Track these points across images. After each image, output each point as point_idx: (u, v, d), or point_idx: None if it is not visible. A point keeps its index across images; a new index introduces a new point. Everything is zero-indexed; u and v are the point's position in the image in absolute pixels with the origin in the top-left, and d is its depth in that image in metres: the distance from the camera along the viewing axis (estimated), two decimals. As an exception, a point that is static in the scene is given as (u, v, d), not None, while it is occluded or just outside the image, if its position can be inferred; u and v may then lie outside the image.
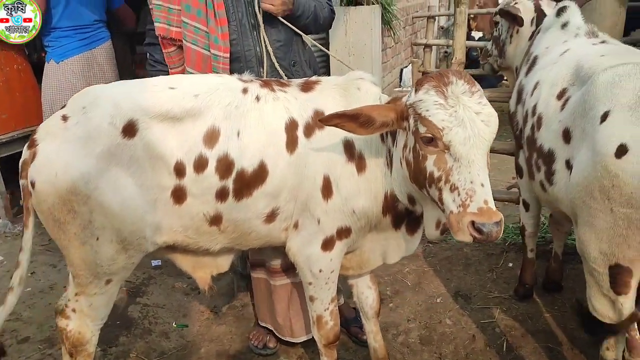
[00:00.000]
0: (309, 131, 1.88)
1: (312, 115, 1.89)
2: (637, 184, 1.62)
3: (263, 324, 2.68)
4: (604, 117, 1.73)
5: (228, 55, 2.25)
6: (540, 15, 2.91)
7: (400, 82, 5.85)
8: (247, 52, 2.29)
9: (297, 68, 2.39)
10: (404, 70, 5.82)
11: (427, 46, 6.86)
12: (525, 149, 2.33)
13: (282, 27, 2.30)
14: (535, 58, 2.50)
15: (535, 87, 2.28)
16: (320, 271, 2.02)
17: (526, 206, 2.73)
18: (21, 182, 1.83)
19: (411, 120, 1.64)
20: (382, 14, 4.80)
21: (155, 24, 2.27)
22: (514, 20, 2.96)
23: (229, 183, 1.84)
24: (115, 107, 1.79)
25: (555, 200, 2.08)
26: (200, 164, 1.81)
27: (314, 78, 2.04)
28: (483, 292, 3.07)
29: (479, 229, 1.52)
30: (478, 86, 1.63)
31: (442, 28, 7.88)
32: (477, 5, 9.10)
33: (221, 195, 1.86)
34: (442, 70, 1.68)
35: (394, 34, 5.21)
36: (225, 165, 1.82)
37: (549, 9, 2.88)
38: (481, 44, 7.06)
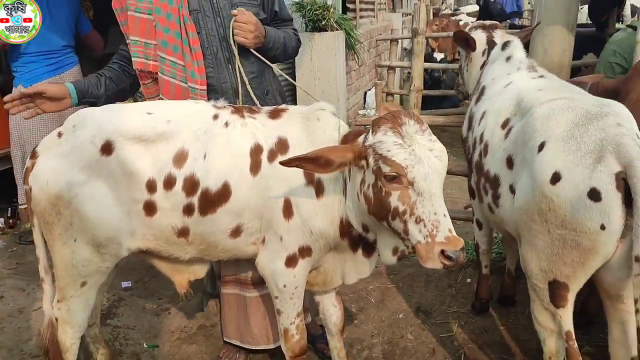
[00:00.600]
0: (272, 156, 2.01)
1: (276, 141, 2.03)
2: (569, 208, 1.80)
3: (228, 340, 2.76)
4: (541, 147, 1.92)
5: (205, 87, 2.37)
6: (491, 46, 3.05)
7: (364, 103, 6.05)
8: (223, 84, 2.42)
9: (270, 97, 2.53)
10: (368, 93, 6.02)
11: (391, 68, 7.10)
12: (474, 173, 2.51)
13: (255, 59, 2.42)
14: (484, 88, 2.70)
15: (482, 116, 2.47)
16: (284, 286, 2.14)
17: (479, 225, 2.91)
18: (24, 187, 2.14)
19: (370, 160, 1.77)
20: (345, 39, 4.99)
21: (133, 59, 2.38)
22: (467, 44, 3.13)
23: (195, 200, 2.01)
24: (97, 128, 2.02)
25: (502, 221, 2.26)
26: (169, 182, 1.99)
27: (282, 106, 2.19)
28: (442, 307, 3.23)
29: (448, 257, 1.67)
30: (426, 124, 1.79)
31: (405, 50, 8.15)
32: (436, 25, 9.45)
33: (188, 210, 2.03)
34: (394, 112, 1.83)
35: (358, 58, 5.41)
36: (191, 184, 1.99)
37: (506, 38, 2.99)
38: (442, 65, 7.36)
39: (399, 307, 3.25)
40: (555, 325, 1.99)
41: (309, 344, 2.80)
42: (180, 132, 2.01)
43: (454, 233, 1.71)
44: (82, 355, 2.54)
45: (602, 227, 1.75)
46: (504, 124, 2.25)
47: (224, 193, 2.00)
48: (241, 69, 2.37)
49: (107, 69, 2.47)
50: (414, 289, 3.44)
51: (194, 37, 2.34)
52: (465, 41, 3.01)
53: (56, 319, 2.21)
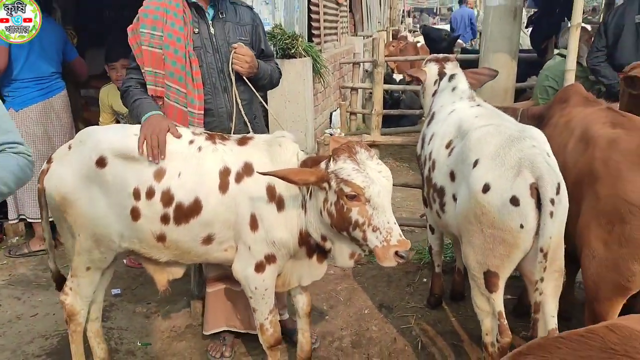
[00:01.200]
0: (239, 178, 2.37)
1: (242, 165, 2.39)
2: (497, 212, 2.27)
3: (211, 332, 3.12)
4: (475, 163, 2.38)
5: (202, 112, 2.74)
6: (442, 77, 3.32)
7: (330, 123, 6.51)
8: (219, 109, 2.78)
9: (257, 121, 2.90)
10: (333, 113, 6.48)
11: (354, 89, 7.61)
12: (425, 185, 2.98)
13: (245, 88, 2.80)
14: (434, 113, 3.16)
15: (431, 138, 2.94)
16: (255, 288, 2.49)
17: (432, 230, 3.37)
18: (38, 186, 2.56)
19: (333, 183, 2.14)
20: (312, 64, 5.44)
21: (148, 86, 2.71)
22: (417, 79, 3.48)
23: (170, 211, 2.39)
24: (95, 145, 2.45)
25: (447, 225, 2.73)
26: (150, 193, 2.39)
27: (249, 135, 2.56)
28: (402, 303, 3.65)
29: (401, 256, 2.08)
30: (373, 151, 2.21)
31: (367, 71, 8.67)
32: (393, 46, 10.00)
33: (164, 219, 2.41)
34: (349, 143, 2.23)
35: (324, 81, 5.86)
36: (167, 197, 2.38)
37: (454, 70, 3.33)
38: (401, 86, 7.91)
39: (364, 304, 3.66)
40: (490, 307, 2.46)
41: (287, 336, 3.23)
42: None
43: (403, 237, 2.12)
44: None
45: (521, 227, 2.23)
46: (448, 145, 2.73)
47: (195, 207, 2.37)
48: (236, 94, 2.74)
49: (142, 91, 2.74)
50: (378, 288, 3.87)
51: (197, 69, 2.70)
52: (416, 79, 3.42)
53: (70, 288, 2.69)
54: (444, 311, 3.55)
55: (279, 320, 3.15)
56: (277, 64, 3.02)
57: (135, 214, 2.42)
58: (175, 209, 2.38)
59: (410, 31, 14.78)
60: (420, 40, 11.64)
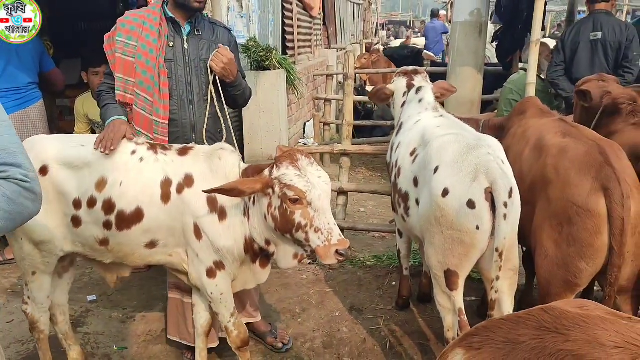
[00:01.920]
0: (180, 188, 2.46)
1: (183, 176, 2.47)
2: (455, 214, 2.44)
3: (170, 337, 3.20)
4: (436, 170, 2.55)
5: (166, 122, 2.83)
6: (410, 89, 3.44)
7: (304, 133, 6.66)
8: (183, 120, 2.88)
9: (221, 134, 2.95)
10: (307, 124, 6.64)
11: (327, 100, 7.79)
12: (393, 191, 3.14)
13: (212, 103, 2.89)
14: (402, 123, 3.32)
15: (398, 146, 3.11)
16: (211, 293, 2.58)
17: (400, 234, 3.53)
18: None
19: (277, 188, 2.26)
20: (286, 76, 5.60)
21: (116, 91, 2.83)
22: (385, 93, 3.66)
23: (112, 218, 2.49)
24: (38, 153, 2.51)
25: (412, 228, 2.88)
26: (92, 202, 2.49)
27: (190, 145, 2.62)
28: (372, 306, 3.79)
29: (341, 254, 2.23)
30: (313, 158, 2.35)
31: (340, 83, 8.85)
32: (365, 59, 10.21)
33: (106, 225, 2.51)
34: (290, 150, 2.37)
35: (297, 92, 6.02)
36: (108, 206, 2.48)
37: (421, 82, 3.47)
38: (373, 98, 8.10)
39: (335, 307, 3.79)
40: (451, 304, 2.61)
41: (260, 338, 3.34)
42: (103, 163, 2.51)
43: (343, 236, 2.27)
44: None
45: (477, 228, 2.40)
46: (412, 152, 2.90)
47: (137, 215, 2.47)
48: (212, 92, 2.83)
49: (112, 97, 2.86)
50: (348, 291, 4.01)
51: (165, 80, 2.80)
52: (382, 92, 3.58)
53: (28, 297, 2.77)
54: (411, 312, 3.71)
55: (251, 323, 3.29)
56: (247, 84, 3.11)
57: (76, 222, 2.54)
58: (117, 216, 2.48)
59: (383, 44, 15.06)
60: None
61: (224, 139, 2.90)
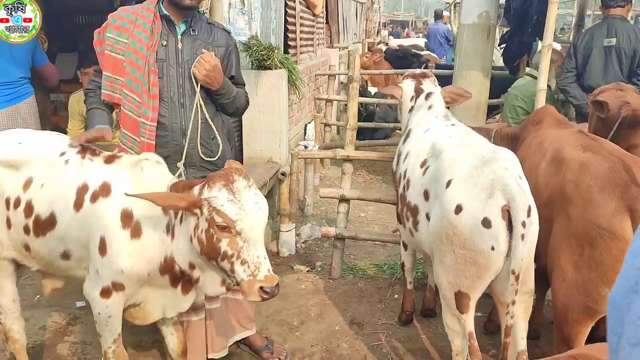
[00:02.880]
0: (94, 197, 2.28)
1: (100, 184, 2.29)
2: (468, 233, 2.28)
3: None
4: (448, 184, 2.39)
5: (154, 124, 2.63)
6: (418, 94, 3.30)
7: (304, 134, 6.50)
8: (173, 124, 2.67)
9: (215, 142, 2.74)
10: (308, 125, 6.48)
11: (329, 101, 7.63)
12: (399, 203, 2.98)
13: (207, 108, 2.69)
14: (410, 131, 3.17)
15: (407, 156, 2.95)
16: (99, 313, 2.37)
17: (405, 246, 3.37)
18: None
19: (205, 210, 2.04)
20: (288, 75, 5.43)
21: (102, 90, 2.66)
22: (394, 95, 3.58)
23: (30, 222, 2.38)
24: None
25: (420, 243, 2.73)
26: (17, 203, 2.40)
27: (120, 154, 2.47)
28: (373, 320, 3.64)
29: (266, 291, 2.01)
30: (252, 180, 2.12)
31: (342, 83, 8.70)
32: (366, 57, 10.06)
33: (26, 230, 2.41)
34: (227, 170, 2.13)
35: (299, 93, 5.85)
36: (29, 208, 2.38)
37: (431, 88, 3.30)
38: (375, 100, 7.96)
39: (335, 320, 3.63)
40: (461, 327, 2.46)
41: (256, 353, 3.18)
42: (34, 163, 2.40)
43: (272, 272, 2.06)
44: None
45: (493, 248, 2.25)
46: (422, 164, 2.74)
47: (51, 221, 2.34)
48: (202, 105, 2.64)
49: (99, 101, 2.71)
50: (349, 304, 3.85)
51: (155, 80, 2.62)
52: (390, 95, 3.41)
53: None
54: (414, 328, 3.55)
55: (246, 337, 3.13)
56: (245, 92, 2.91)
57: (8, 223, 2.45)
58: (34, 220, 2.36)
59: (385, 44, 14.90)
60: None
61: (220, 148, 2.73)
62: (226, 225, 2.01)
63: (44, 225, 2.34)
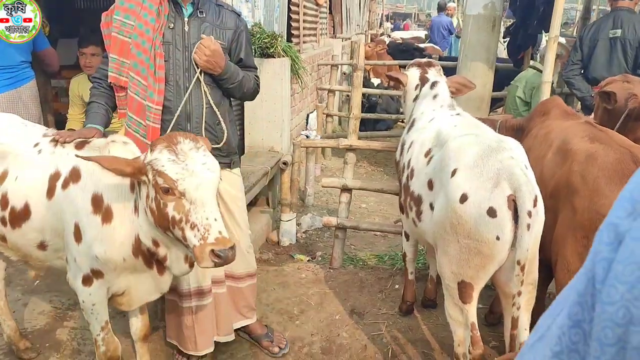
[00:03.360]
0: (65, 183, 2.26)
1: (70, 170, 2.27)
2: (473, 223, 2.26)
3: (169, 340, 3.05)
4: (453, 173, 2.36)
5: (160, 108, 2.61)
6: (423, 83, 3.25)
7: (306, 124, 6.46)
8: (177, 108, 2.65)
9: (220, 127, 2.73)
10: (310, 115, 6.44)
11: (331, 91, 7.58)
12: (402, 193, 2.95)
13: (212, 93, 2.68)
14: (414, 120, 3.13)
15: (410, 145, 2.92)
16: (83, 302, 2.36)
17: (406, 236, 3.35)
18: None
19: (150, 175, 1.98)
20: (290, 64, 5.38)
21: (109, 73, 2.64)
22: (396, 81, 3.42)
23: (6, 214, 2.37)
24: None
25: (423, 233, 2.70)
26: None
27: (90, 139, 2.40)
28: (374, 310, 3.63)
29: (217, 255, 1.89)
30: (202, 142, 2.03)
31: (344, 74, 8.65)
32: (370, 47, 10.01)
33: (3, 222, 2.39)
34: (171, 133, 2.07)
35: (301, 82, 5.81)
36: (4, 201, 2.37)
37: (436, 77, 3.27)
38: (378, 91, 7.91)
39: (335, 310, 3.62)
40: (463, 318, 2.44)
41: (255, 341, 3.17)
42: (7, 155, 2.39)
43: (225, 234, 1.94)
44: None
45: (498, 238, 2.22)
46: (427, 153, 2.71)
47: (26, 212, 2.32)
48: (206, 91, 2.63)
49: (101, 94, 2.69)
50: (349, 294, 3.83)
51: (161, 63, 2.59)
52: (395, 80, 3.38)
53: None
54: (415, 319, 3.53)
55: (246, 325, 3.12)
56: (256, 76, 2.87)
57: None
58: (10, 212, 2.35)
59: (388, 36, 14.82)
60: (399, 44, 11.67)
61: (225, 134, 2.70)
62: (168, 187, 1.93)
63: (19, 216, 2.33)
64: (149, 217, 2.06)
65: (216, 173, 2.01)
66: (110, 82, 2.67)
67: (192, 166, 1.94)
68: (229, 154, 2.83)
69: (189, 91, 2.62)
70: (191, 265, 2.23)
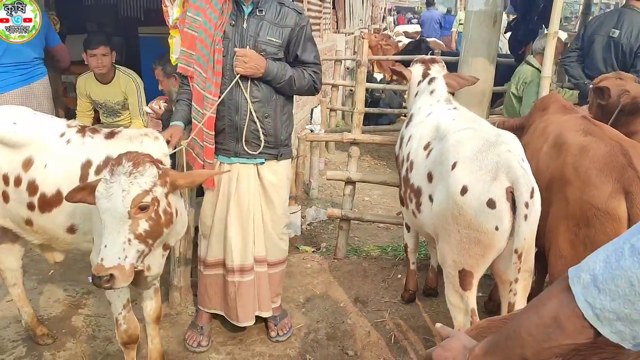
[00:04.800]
0: (98, 170, 2.42)
1: (103, 158, 2.44)
2: (473, 213, 2.37)
3: (207, 310, 3.24)
4: (454, 166, 2.47)
5: (216, 99, 2.82)
6: (424, 79, 3.34)
7: (311, 118, 6.56)
8: (229, 100, 2.85)
9: (269, 120, 2.91)
10: (314, 109, 6.54)
11: (334, 86, 7.68)
12: (402, 185, 3.07)
13: (263, 87, 2.85)
14: (412, 115, 3.24)
15: (409, 139, 3.02)
16: None
17: (407, 228, 3.46)
18: None
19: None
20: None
21: (179, 64, 2.95)
22: (400, 75, 3.52)
23: (35, 200, 2.50)
24: None
25: (423, 224, 2.81)
26: (18, 181, 2.52)
27: (119, 129, 2.58)
28: (377, 298, 3.75)
29: (92, 278, 2.05)
30: (143, 167, 2.09)
31: (347, 69, 8.74)
32: (375, 37, 10.08)
33: (30, 206, 2.52)
34: (125, 153, 2.15)
35: (306, 77, 5.91)
36: (32, 187, 2.50)
37: (436, 73, 3.36)
38: (381, 85, 8.00)
39: (340, 298, 3.74)
40: (463, 304, 2.56)
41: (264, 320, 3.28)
42: (31, 144, 2.52)
43: (104, 262, 2.03)
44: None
45: (497, 228, 2.34)
46: (426, 146, 2.82)
47: (58, 197, 2.46)
48: (244, 92, 2.81)
49: (185, 91, 2.99)
50: (353, 283, 3.95)
51: (219, 58, 2.80)
52: (398, 74, 3.49)
53: None
54: (417, 307, 3.65)
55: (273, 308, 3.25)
56: (314, 72, 2.98)
57: (5, 197, 2.57)
58: (40, 198, 2.48)
59: (391, 30, 14.88)
60: (402, 39, 11.75)
61: (273, 127, 2.92)
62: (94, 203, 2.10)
63: (50, 202, 2.47)
64: None
65: (125, 202, 2.04)
66: (179, 72, 2.95)
67: (113, 190, 2.05)
68: (277, 145, 3.00)
69: (228, 89, 2.81)
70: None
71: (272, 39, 2.81)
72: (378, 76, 8.65)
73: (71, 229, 2.53)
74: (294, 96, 3.16)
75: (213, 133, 2.90)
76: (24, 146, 2.52)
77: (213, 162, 2.96)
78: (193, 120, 2.90)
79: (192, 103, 2.91)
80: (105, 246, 2.05)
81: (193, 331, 3.23)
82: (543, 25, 6.28)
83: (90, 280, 2.06)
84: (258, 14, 2.81)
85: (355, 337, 3.33)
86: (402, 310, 3.60)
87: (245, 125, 2.87)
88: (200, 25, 2.82)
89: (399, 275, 4.04)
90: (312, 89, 3.05)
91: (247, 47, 2.79)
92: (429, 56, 3.54)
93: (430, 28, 13.08)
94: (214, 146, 2.93)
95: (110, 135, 2.52)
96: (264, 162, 2.99)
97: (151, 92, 4.55)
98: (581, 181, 2.44)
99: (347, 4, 10.80)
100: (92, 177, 2.40)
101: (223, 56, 2.80)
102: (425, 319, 3.52)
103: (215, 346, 3.21)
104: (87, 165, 2.45)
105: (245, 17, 2.81)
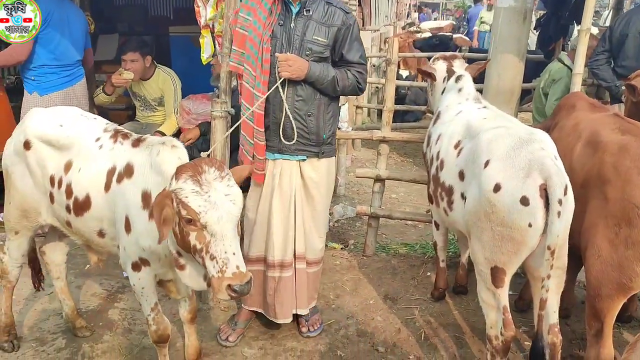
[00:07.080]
0: (120, 178, 2.42)
1: (124, 166, 2.42)
2: (507, 211, 2.37)
3: (248, 307, 3.28)
4: (486, 164, 2.47)
5: (264, 97, 2.88)
6: (450, 75, 3.37)
7: (339, 116, 6.58)
8: (274, 98, 2.91)
9: (312, 118, 2.94)
10: (342, 107, 6.55)
11: (361, 83, 7.67)
12: (432, 184, 3.08)
13: (306, 86, 2.89)
14: (440, 113, 3.25)
15: (438, 138, 3.03)
16: (134, 285, 2.57)
17: (437, 226, 3.47)
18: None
19: (174, 203, 2.01)
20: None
21: (230, 62, 3.04)
22: (430, 76, 3.55)
23: (71, 203, 2.57)
24: (26, 127, 2.70)
25: (454, 222, 2.82)
26: (60, 183, 2.60)
27: (145, 136, 2.57)
28: (407, 295, 3.77)
29: (234, 290, 1.96)
30: (227, 170, 2.06)
31: (374, 66, 8.73)
32: (402, 38, 10.02)
33: (68, 209, 2.60)
34: (197, 160, 2.10)
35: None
36: (69, 190, 2.57)
37: (461, 70, 3.40)
38: (407, 82, 7.98)
39: (369, 295, 3.77)
40: (495, 301, 2.56)
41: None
42: (73, 146, 2.59)
43: (242, 269, 1.98)
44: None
45: (530, 225, 2.34)
46: (456, 145, 2.83)
47: (87, 202, 2.52)
48: (280, 92, 2.85)
49: None
50: (383, 280, 3.98)
51: (267, 57, 2.86)
52: (428, 74, 3.48)
53: (5, 249, 3.04)
54: (447, 304, 3.66)
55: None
56: (359, 72, 2.98)
57: (52, 198, 2.67)
58: (74, 201, 2.55)
59: (413, 25, 14.78)
60: (426, 36, 11.66)
61: (316, 125, 2.96)
62: (191, 218, 1.98)
63: (82, 206, 2.54)
64: (172, 237, 2.15)
65: (237, 204, 2.04)
66: (231, 70, 3.05)
67: (214, 198, 1.98)
68: (319, 144, 3.03)
69: (273, 87, 2.85)
70: (208, 285, 2.22)
71: (319, 39, 2.85)
72: (404, 73, 8.63)
73: (101, 234, 2.59)
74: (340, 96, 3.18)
75: (263, 129, 2.94)
76: (68, 149, 2.60)
77: (263, 158, 3.01)
78: (242, 117, 2.94)
79: (242, 100, 2.98)
80: (234, 253, 2.00)
81: (227, 325, 3.29)
82: (574, 22, 6.20)
83: (234, 293, 1.98)
84: (305, 13, 2.85)
85: (385, 333, 3.36)
86: (432, 308, 3.62)
87: (290, 122, 2.91)
88: (250, 24, 2.89)
89: (428, 273, 4.05)
90: (356, 89, 3.05)
91: (294, 46, 2.84)
92: (449, 53, 3.54)
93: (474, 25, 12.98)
94: (264, 142, 2.98)
95: (137, 143, 2.51)
96: (305, 159, 3.03)
97: (184, 91, 4.69)
98: (622, 180, 2.41)
99: (372, 1, 10.76)
100: (113, 184, 2.44)
101: (271, 55, 2.85)
102: (455, 317, 3.53)
103: (247, 341, 3.26)
104: (112, 171, 2.46)
105: (293, 16, 2.86)
